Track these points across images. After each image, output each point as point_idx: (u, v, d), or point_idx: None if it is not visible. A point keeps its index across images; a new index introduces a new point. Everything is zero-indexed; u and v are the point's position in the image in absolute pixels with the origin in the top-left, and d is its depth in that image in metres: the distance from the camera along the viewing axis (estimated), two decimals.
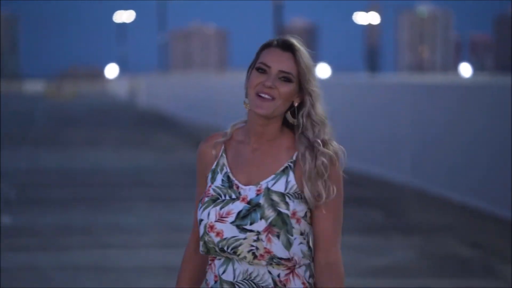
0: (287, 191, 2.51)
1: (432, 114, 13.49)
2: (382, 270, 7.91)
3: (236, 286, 2.52)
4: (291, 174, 2.53)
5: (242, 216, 2.50)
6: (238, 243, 2.51)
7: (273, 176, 2.54)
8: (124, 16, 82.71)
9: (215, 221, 2.52)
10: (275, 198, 2.50)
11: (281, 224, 2.49)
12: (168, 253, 8.41)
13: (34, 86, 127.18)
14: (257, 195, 2.51)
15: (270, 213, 2.49)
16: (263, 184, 2.52)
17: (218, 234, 2.51)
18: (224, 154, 2.61)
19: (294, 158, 2.55)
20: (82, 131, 27.61)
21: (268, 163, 2.55)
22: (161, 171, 15.97)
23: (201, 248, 2.56)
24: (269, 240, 2.48)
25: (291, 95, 2.56)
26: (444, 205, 12.06)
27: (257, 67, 2.58)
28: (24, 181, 14.39)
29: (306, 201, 2.52)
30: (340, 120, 17.56)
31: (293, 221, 2.50)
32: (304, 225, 2.52)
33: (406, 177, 14.07)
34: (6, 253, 8.52)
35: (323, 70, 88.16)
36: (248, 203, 2.51)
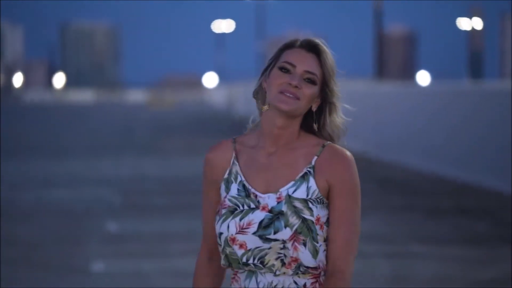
0: (309, 196, 2.41)
1: None
2: (487, 283, 7.73)
3: None
4: (311, 180, 2.42)
5: (264, 226, 2.39)
6: (263, 253, 2.40)
7: (292, 182, 2.42)
8: (223, 25, 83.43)
9: (236, 233, 2.40)
10: (298, 205, 2.40)
11: (306, 231, 2.38)
12: None
13: (135, 95, 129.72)
14: (278, 202, 2.40)
15: (294, 221, 2.38)
16: (283, 191, 2.41)
17: (241, 246, 2.41)
18: (236, 162, 2.47)
19: (313, 163, 2.44)
20: (181, 139, 27.98)
21: (286, 169, 2.44)
22: None
23: (222, 262, 2.46)
24: (295, 248, 2.38)
25: (314, 97, 2.46)
26: None
27: (281, 67, 2.46)
28: (127, 188, 14.67)
29: (327, 206, 2.42)
30: (442, 128, 17.26)
31: (318, 227, 2.40)
32: (326, 231, 2.42)
33: (508, 184, 13.72)
34: (111, 259, 8.68)
35: (422, 78, 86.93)
36: (270, 211, 2.40)
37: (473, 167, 15.43)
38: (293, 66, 2.45)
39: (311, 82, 2.45)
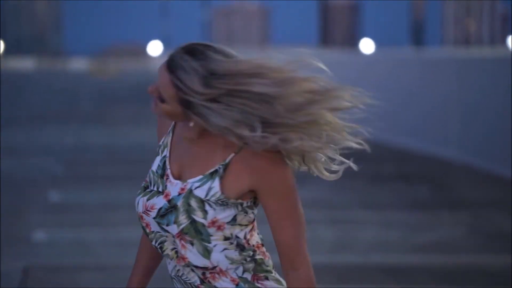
0: (207, 198, 2.26)
1: (479, 88, 13.31)
2: (429, 247, 7.86)
3: (173, 280, 2.39)
4: (217, 180, 2.26)
5: (161, 215, 2.31)
6: (163, 239, 2.34)
7: (201, 177, 2.28)
8: None
9: (142, 212, 2.36)
10: (193, 204, 2.27)
11: (194, 233, 2.27)
12: None
13: (78, 64, 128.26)
14: (179, 194, 2.29)
15: (183, 220, 2.27)
16: (190, 183, 2.28)
17: (147, 225, 2.36)
18: (171, 132, 2.37)
19: (227, 160, 2.27)
20: (125, 108, 27.78)
21: (202, 159, 2.30)
22: None
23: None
24: (183, 246, 2.29)
25: (173, 110, 2.26)
26: (492, 180, 11.93)
27: None
28: (71, 158, 14.54)
29: (236, 205, 2.28)
30: (386, 95, 17.44)
31: (212, 230, 2.28)
32: (230, 229, 2.29)
33: (453, 152, 13.94)
34: (54, 229, 8.62)
35: (367, 46, 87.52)
36: (169, 201, 2.30)
37: (413, 134, 15.62)
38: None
39: (160, 100, 2.29)
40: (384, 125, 17.36)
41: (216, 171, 2.29)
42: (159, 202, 2.34)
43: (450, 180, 12.13)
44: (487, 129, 12.96)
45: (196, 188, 2.29)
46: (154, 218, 2.34)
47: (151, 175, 2.38)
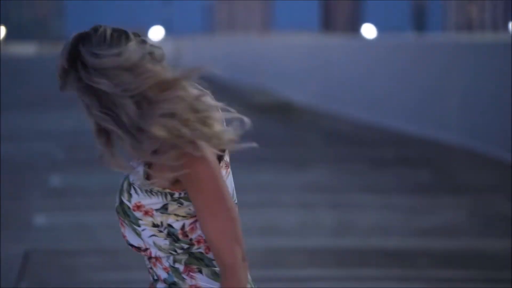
0: (133, 181, 2.29)
1: (480, 73, 13.28)
2: (430, 230, 7.85)
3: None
4: (141, 166, 2.27)
5: (118, 191, 2.36)
6: None
7: (139, 162, 2.29)
8: None
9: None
10: (125, 185, 2.31)
11: (122, 214, 2.31)
12: None
13: None
14: (127, 175, 2.32)
15: (117, 199, 2.33)
16: (133, 165, 2.31)
17: None
18: None
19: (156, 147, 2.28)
20: None
21: None
22: None
23: None
24: (121, 224, 2.33)
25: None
26: (492, 164, 11.92)
27: None
28: (71, 142, 14.54)
29: (163, 194, 2.27)
30: (386, 80, 17.39)
31: (139, 214, 2.29)
32: (161, 217, 2.28)
33: (453, 136, 13.92)
34: (55, 213, 8.62)
35: (368, 31, 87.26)
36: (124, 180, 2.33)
37: (414, 118, 15.59)
38: None
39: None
40: (385, 110, 17.36)
41: None
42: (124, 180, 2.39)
43: (450, 164, 12.11)
44: (487, 113, 12.94)
45: (131, 170, 2.30)
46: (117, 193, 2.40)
47: None
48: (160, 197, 2.28)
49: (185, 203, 2.29)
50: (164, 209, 2.29)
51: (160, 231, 2.29)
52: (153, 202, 2.28)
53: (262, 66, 29.64)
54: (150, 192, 2.28)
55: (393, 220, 8.32)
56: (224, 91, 28.96)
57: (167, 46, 76.71)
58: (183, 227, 2.30)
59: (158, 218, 2.29)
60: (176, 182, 2.26)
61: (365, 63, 18.99)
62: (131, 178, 2.30)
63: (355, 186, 10.30)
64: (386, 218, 8.39)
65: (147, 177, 2.26)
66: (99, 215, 8.49)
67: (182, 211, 2.30)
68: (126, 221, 2.31)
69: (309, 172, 11.34)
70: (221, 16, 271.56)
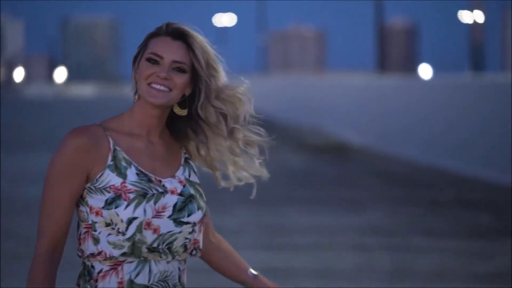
0: (199, 180, 2.49)
1: None
2: (489, 276, 7.69)
3: None
4: (193, 164, 2.50)
5: (179, 209, 2.39)
6: (173, 237, 2.40)
7: (182, 168, 2.46)
8: (224, 19, 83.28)
9: (152, 217, 2.37)
10: (199, 188, 2.46)
11: (207, 212, 2.50)
12: (269, 255, 8.39)
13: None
14: (184, 186, 2.42)
15: (203, 204, 2.45)
16: (180, 176, 2.44)
17: (155, 231, 2.37)
18: (118, 148, 2.41)
19: (183, 149, 2.51)
20: None
21: (169, 155, 2.46)
22: None
23: (125, 250, 2.37)
24: (200, 230, 2.45)
25: (186, 85, 2.43)
26: None
27: (148, 58, 2.41)
28: None
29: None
30: (443, 120, 17.22)
31: None
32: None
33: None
34: None
35: (425, 71, 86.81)
36: (180, 194, 2.40)
37: (474, 160, 15.38)
38: (160, 57, 2.41)
39: (181, 70, 2.41)
40: (442, 150, 17.16)
41: (186, 159, 2.49)
42: (170, 199, 2.41)
43: (510, 207, 11.89)
44: None
45: (188, 176, 2.46)
46: (170, 216, 2.39)
47: (138, 185, 2.40)
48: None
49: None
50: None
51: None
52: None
53: (316, 105, 29.64)
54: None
55: (451, 264, 8.17)
56: (278, 130, 28.98)
57: None
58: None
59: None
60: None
61: (421, 103, 18.85)
62: (196, 180, 2.47)
63: (412, 228, 10.16)
64: (444, 263, 8.24)
65: None
66: None
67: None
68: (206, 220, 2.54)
69: (365, 214, 11.23)
70: (275, 55, 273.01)
